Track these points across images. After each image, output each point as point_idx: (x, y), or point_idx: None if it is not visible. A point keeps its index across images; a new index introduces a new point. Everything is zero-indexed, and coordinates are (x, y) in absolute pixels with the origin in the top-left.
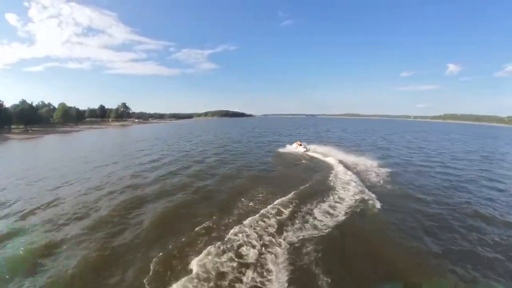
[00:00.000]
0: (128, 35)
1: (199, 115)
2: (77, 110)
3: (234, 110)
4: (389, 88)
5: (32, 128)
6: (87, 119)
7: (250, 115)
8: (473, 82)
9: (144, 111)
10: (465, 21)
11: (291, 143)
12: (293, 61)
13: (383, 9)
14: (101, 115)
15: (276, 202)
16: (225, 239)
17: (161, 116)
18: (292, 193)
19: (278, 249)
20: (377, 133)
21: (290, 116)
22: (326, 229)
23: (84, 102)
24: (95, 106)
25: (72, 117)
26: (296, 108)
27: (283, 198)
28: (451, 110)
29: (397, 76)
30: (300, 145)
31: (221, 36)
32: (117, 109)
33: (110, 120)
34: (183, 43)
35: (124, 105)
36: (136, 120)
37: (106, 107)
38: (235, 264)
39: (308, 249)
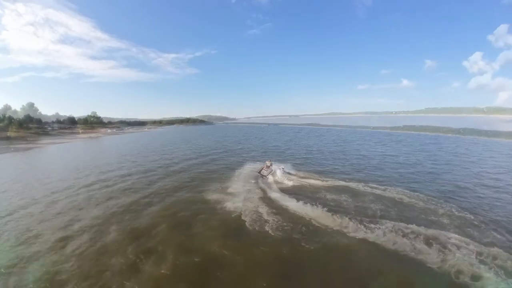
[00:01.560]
0: (106, 43)
1: (181, 121)
2: (39, 120)
3: (217, 115)
4: (371, 87)
5: None
6: (53, 131)
7: (233, 119)
8: (448, 77)
9: (126, 118)
10: (443, 19)
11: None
12: (274, 65)
13: (362, 10)
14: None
15: None
16: None
17: (141, 124)
18: None
19: None
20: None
21: (273, 118)
22: None
23: (63, 113)
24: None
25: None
26: (278, 109)
27: None
28: (431, 105)
29: (377, 74)
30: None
31: (201, 40)
32: (86, 119)
33: (80, 131)
34: (162, 48)
35: (94, 114)
36: (109, 131)
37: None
38: None
39: None
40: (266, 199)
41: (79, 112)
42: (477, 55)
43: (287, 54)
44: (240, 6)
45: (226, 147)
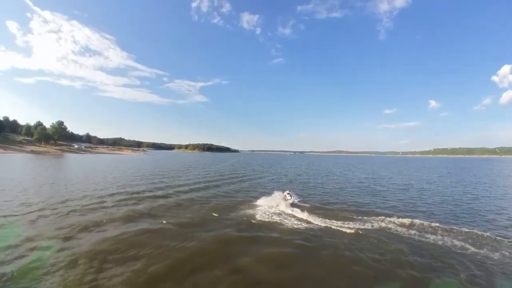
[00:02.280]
0: (123, 60)
1: (179, 147)
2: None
3: (220, 145)
4: (374, 126)
5: None
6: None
7: (236, 151)
8: (452, 117)
9: (129, 138)
10: (445, 57)
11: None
12: (282, 99)
13: (369, 54)
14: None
15: None
16: None
17: (138, 145)
18: None
19: None
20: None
21: (277, 152)
22: None
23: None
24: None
25: None
26: (284, 145)
27: None
28: (436, 145)
29: (381, 114)
30: (289, 193)
31: (214, 70)
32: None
33: (25, 142)
34: (176, 74)
35: (60, 123)
36: (75, 146)
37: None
38: None
39: None
40: None
41: (96, 126)
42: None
43: (295, 91)
44: (255, 40)
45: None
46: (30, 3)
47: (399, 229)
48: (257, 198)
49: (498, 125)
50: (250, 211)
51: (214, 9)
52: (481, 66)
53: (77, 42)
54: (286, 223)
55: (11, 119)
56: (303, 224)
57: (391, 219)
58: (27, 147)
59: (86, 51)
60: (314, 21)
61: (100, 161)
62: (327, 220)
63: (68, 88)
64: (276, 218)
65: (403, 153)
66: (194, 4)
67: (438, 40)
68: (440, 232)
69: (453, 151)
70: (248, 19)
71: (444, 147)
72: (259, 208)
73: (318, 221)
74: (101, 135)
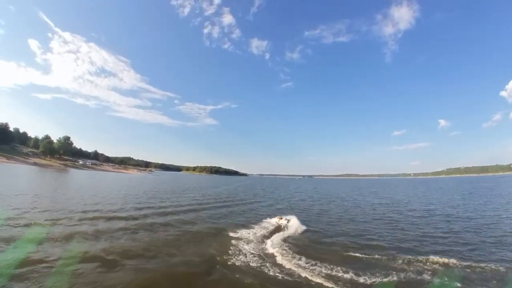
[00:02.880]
0: (137, 82)
1: (187, 168)
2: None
3: (229, 168)
4: (383, 148)
5: None
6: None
7: (244, 174)
8: (462, 136)
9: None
10: (452, 74)
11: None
12: (290, 123)
13: (374, 76)
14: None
15: None
16: None
17: (146, 165)
18: None
19: None
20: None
21: (285, 177)
22: None
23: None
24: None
25: None
26: (293, 169)
27: None
28: (448, 165)
29: (390, 136)
30: (281, 218)
31: (224, 94)
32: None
33: (31, 154)
34: (187, 97)
35: (66, 138)
36: (80, 162)
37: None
38: None
39: None
40: None
41: (104, 145)
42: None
43: (303, 115)
44: (264, 65)
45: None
46: (52, 24)
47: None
48: (242, 226)
49: (510, 140)
50: (224, 245)
51: (225, 35)
52: (488, 82)
53: (93, 63)
54: (259, 269)
55: (21, 131)
56: (282, 276)
57: (418, 263)
58: (32, 159)
59: (102, 72)
60: (321, 45)
61: (98, 178)
62: (323, 270)
63: (82, 106)
64: (249, 259)
65: (414, 174)
66: (205, 31)
67: (443, 59)
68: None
69: (467, 170)
70: (257, 45)
71: (457, 167)
72: (238, 241)
73: (307, 273)
74: (110, 153)
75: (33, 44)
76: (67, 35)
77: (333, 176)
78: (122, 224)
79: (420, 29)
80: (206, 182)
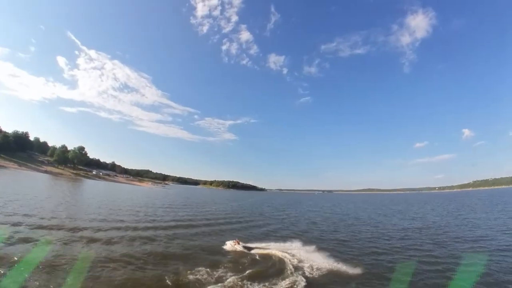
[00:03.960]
0: (158, 98)
1: (205, 183)
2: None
3: (247, 183)
4: (405, 162)
5: None
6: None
7: (262, 189)
8: (488, 145)
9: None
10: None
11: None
12: (309, 137)
13: (390, 86)
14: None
15: None
16: None
17: (164, 178)
18: None
19: None
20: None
21: (304, 192)
22: None
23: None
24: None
25: None
26: (312, 184)
27: None
28: (475, 177)
29: (412, 148)
30: (239, 243)
31: (243, 109)
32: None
33: (46, 162)
34: (207, 112)
35: (80, 149)
36: (94, 172)
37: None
38: None
39: None
40: None
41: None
42: None
43: (322, 129)
44: (282, 80)
45: None
46: (79, 42)
47: None
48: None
49: None
50: None
51: (243, 51)
52: None
53: (117, 79)
54: None
55: (43, 140)
56: None
57: None
58: (45, 167)
59: (125, 87)
60: (338, 59)
61: (105, 189)
62: None
63: (106, 120)
64: None
65: (439, 188)
66: (224, 47)
67: (463, 67)
68: None
69: (495, 182)
70: (275, 60)
71: (485, 179)
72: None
73: None
74: (130, 166)
75: (61, 61)
76: (92, 53)
77: (354, 191)
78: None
79: (438, 36)
80: (217, 197)
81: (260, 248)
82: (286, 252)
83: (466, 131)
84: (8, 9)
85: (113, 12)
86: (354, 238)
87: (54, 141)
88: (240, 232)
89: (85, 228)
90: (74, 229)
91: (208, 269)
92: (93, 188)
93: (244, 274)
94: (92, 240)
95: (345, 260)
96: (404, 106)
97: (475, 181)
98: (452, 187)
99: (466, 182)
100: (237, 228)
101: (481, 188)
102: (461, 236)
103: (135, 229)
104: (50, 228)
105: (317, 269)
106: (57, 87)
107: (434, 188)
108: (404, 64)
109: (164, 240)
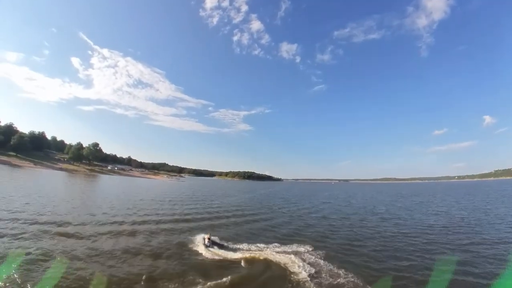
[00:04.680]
0: (172, 92)
1: (220, 174)
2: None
3: (263, 173)
4: (423, 150)
5: None
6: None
7: (278, 179)
8: (510, 132)
9: (178, 164)
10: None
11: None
12: (324, 126)
13: (407, 72)
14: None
15: None
16: None
17: (180, 170)
18: None
19: None
20: None
21: (320, 181)
22: None
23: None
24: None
25: None
26: (328, 173)
27: None
28: (497, 166)
29: (430, 136)
30: (209, 239)
31: (256, 99)
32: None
33: (62, 160)
34: (221, 103)
35: (95, 145)
36: (109, 167)
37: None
38: None
39: None
40: None
41: (136, 149)
42: None
43: (337, 117)
44: (295, 68)
45: None
46: (91, 42)
47: None
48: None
49: None
50: None
51: (254, 41)
52: None
53: (131, 76)
54: None
55: (59, 139)
56: None
57: None
58: (60, 164)
59: (139, 83)
60: (351, 45)
61: (115, 183)
62: None
63: (122, 116)
64: None
65: (459, 177)
66: (235, 38)
67: (484, 48)
68: None
69: None
70: (287, 49)
71: (508, 168)
72: None
73: None
74: (146, 159)
75: (75, 61)
76: (105, 52)
77: (370, 180)
78: None
79: (456, 18)
80: (229, 189)
81: (245, 250)
82: (283, 255)
83: (487, 118)
84: (19, 14)
85: (122, 10)
86: (371, 239)
87: (73, 140)
88: (237, 227)
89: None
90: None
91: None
92: (103, 183)
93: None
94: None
95: (356, 268)
96: (422, 91)
97: (496, 171)
98: (472, 176)
99: (487, 171)
100: (238, 222)
101: (503, 178)
102: (499, 237)
103: (121, 223)
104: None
105: (319, 282)
106: (73, 87)
107: (453, 177)
108: (421, 48)
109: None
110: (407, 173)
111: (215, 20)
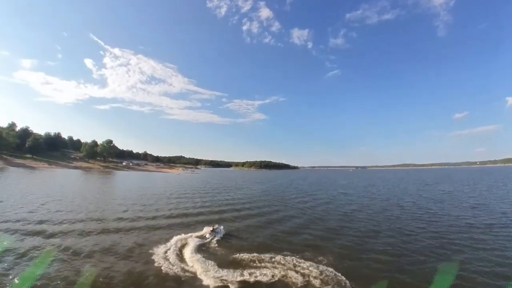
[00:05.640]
0: (185, 85)
1: (237, 164)
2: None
3: (280, 162)
4: (443, 134)
5: None
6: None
7: (295, 167)
8: None
9: (194, 157)
10: None
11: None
12: (340, 112)
13: (426, 56)
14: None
15: None
16: None
17: (196, 162)
18: None
19: None
20: None
21: (338, 168)
22: None
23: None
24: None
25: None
26: (345, 160)
27: None
28: None
29: (450, 119)
30: (213, 230)
31: (270, 88)
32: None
33: (78, 158)
34: (234, 94)
35: (108, 142)
36: (123, 163)
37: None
38: None
39: None
40: None
41: (155, 145)
42: None
43: (353, 103)
44: (308, 55)
45: None
46: (102, 43)
47: None
48: None
49: None
50: None
51: (264, 29)
52: None
53: (143, 73)
54: None
55: (75, 138)
56: None
57: None
58: (75, 163)
59: (152, 79)
60: (365, 27)
61: (127, 179)
62: None
63: (137, 112)
64: None
65: (480, 162)
66: (245, 27)
67: (506, 26)
68: None
69: None
70: (298, 35)
71: None
72: None
73: None
74: (164, 154)
75: (88, 62)
76: (116, 51)
77: (389, 167)
78: None
79: None
80: (243, 179)
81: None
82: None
83: (510, 100)
84: (30, 21)
85: (128, 9)
86: (403, 244)
87: (91, 138)
88: (240, 232)
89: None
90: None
91: None
92: (115, 178)
93: None
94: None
95: None
96: (440, 73)
97: None
98: (494, 162)
99: (510, 156)
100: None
101: None
102: None
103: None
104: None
105: None
106: (88, 87)
107: (475, 163)
108: (438, 27)
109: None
110: (426, 159)
111: (223, 10)
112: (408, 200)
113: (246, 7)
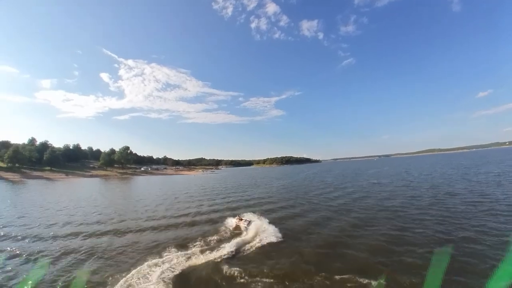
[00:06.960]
0: (200, 88)
1: (258, 162)
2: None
3: (301, 156)
4: (467, 115)
5: None
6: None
7: (316, 161)
8: None
9: (215, 157)
10: None
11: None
12: (358, 101)
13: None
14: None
15: None
16: None
17: (217, 163)
18: None
19: None
20: None
21: (361, 159)
22: None
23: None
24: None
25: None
26: (367, 150)
27: None
28: None
29: (474, 99)
30: (241, 220)
31: (285, 83)
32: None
33: (96, 167)
34: (250, 93)
35: (125, 149)
36: (142, 168)
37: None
38: None
39: None
40: None
41: (176, 149)
42: None
43: (370, 90)
44: (320, 46)
45: None
46: (115, 56)
47: None
48: None
49: None
50: None
51: (273, 25)
52: None
53: (158, 81)
54: None
55: (94, 148)
56: None
57: None
58: (92, 171)
59: (167, 86)
60: (375, 10)
61: (143, 183)
62: None
63: (156, 120)
64: None
65: (510, 142)
66: (253, 25)
67: None
68: None
69: None
70: (308, 26)
71: None
72: None
73: None
74: (184, 157)
75: (105, 76)
76: (130, 62)
77: (413, 153)
78: None
79: None
80: (263, 177)
81: None
82: None
83: None
84: (45, 44)
85: (136, 20)
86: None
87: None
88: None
89: None
90: None
91: None
92: (129, 184)
93: None
94: None
95: None
96: (459, 50)
97: None
98: None
99: None
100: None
101: None
102: None
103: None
104: None
105: None
106: (106, 100)
107: (505, 143)
108: (452, 2)
109: None
110: (452, 143)
111: (229, 10)
112: (459, 186)
113: (252, 5)
